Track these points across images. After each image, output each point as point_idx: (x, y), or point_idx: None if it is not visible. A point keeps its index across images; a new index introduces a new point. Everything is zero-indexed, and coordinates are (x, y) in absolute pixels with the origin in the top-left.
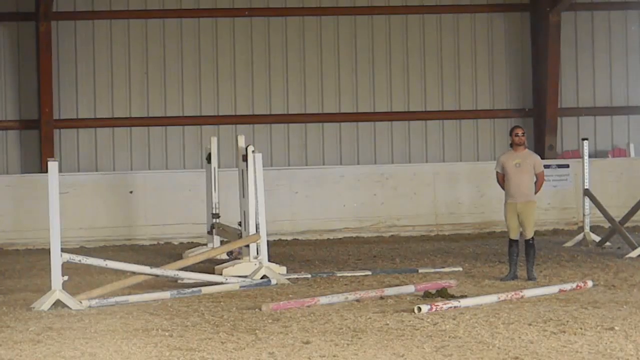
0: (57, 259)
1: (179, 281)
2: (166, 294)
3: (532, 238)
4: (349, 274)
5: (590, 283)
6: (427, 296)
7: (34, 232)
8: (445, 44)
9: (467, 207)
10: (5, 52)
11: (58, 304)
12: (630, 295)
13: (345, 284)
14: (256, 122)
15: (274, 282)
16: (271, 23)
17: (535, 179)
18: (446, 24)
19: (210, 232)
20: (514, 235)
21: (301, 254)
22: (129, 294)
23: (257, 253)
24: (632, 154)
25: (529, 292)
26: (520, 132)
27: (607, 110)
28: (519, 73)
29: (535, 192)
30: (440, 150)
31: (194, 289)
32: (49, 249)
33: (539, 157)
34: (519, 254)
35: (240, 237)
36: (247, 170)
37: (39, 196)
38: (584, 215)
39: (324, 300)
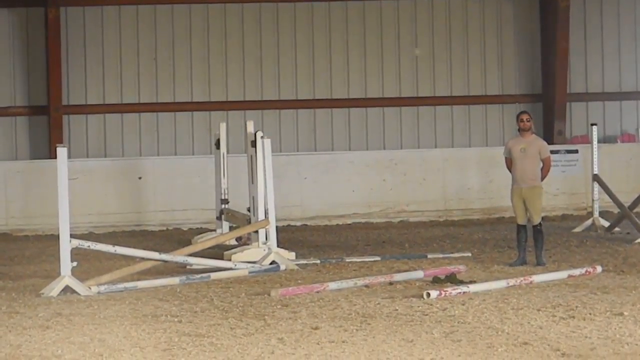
0: (66, 245)
1: (188, 267)
2: (175, 280)
3: (540, 223)
4: (358, 260)
5: (599, 268)
6: (436, 282)
7: (43, 218)
8: (454, 29)
9: (476, 192)
10: (14, 39)
11: (67, 289)
12: None
13: (354, 270)
14: (265, 107)
15: (282, 267)
16: (280, 8)
17: (541, 165)
18: (455, 9)
19: (219, 218)
20: (521, 221)
21: (310, 240)
22: (138, 279)
23: (266, 239)
24: None
25: (538, 278)
26: (525, 117)
27: (616, 95)
28: (528, 58)
29: (542, 178)
30: (449, 135)
31: (203, 274)
32: (58, 235)
33: (545, 143)
34: (527, 240)
35: (249, 222)
36: (256, 155)
37: (48, 182)
38: (593, 200)
39: (333, 285)
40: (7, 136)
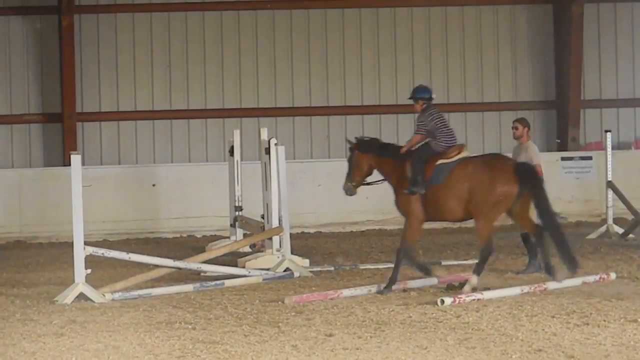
0: (80, 252)
1: (202, 274)
2: (189, 287)
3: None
4: (372, 267)
5: (613, 275)
6: (450, 288)
7: (57, 226)
8: (468, 36)
9: None
10: (28, 46)
11: (81, 297)
12: None
13: (368, 277)
14: (279, 114)
15: (296, 274)
16: (294, 16)
17: None
18: (469, 16)
19: (233, 225)
20: (519, 227)
21: (324, 247)
22: (152, 287)
23: (280, 246)
24: None
25: (552, 285)
26: (515, 125)
27: (630, 102)
28: (542, 65)
29: None
30: (463, 142)
31: (217, 281)
32: (72, 242)
33: (535, 151)
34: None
35: (263, 230)
36: (269, 163)
37: (62, 189)
38: (607, 207)
39: (347, 292)
40: (21, 143)
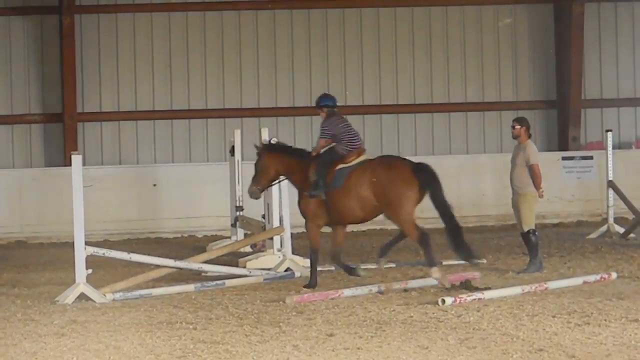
0: (81, 252)
1: (203, 274)
2: (190, 287)
3: (529, 231)
4: (373, 267)
5: (614, 275)
6: (451, 288)
7: (57, 226)
8: (469, 36)
9: (491, 199)
10: (29, 46)
11: (82, 297)
12: None
13: (370, 277)
14: (279, 114)
15: (297, 274)
16: (294, 15)
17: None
18: (469, 15)
19: (234, 225)
20: (518, 227)
21: (324, 247)
22: (153, 287)
23: (281, 245)
24: None
25: (553, 284)
26: (513, 124)
27: (631, 101)
28: (543, 65)
29: (536, 186)
30: (463, 142)
31: (218, 281)
32: (73, 242)
33: (533, 151)
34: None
35: (264, 229)
36: None
37: (62, 189)
38: (608, 206)
39: (347, 292)
40: (22, 144)
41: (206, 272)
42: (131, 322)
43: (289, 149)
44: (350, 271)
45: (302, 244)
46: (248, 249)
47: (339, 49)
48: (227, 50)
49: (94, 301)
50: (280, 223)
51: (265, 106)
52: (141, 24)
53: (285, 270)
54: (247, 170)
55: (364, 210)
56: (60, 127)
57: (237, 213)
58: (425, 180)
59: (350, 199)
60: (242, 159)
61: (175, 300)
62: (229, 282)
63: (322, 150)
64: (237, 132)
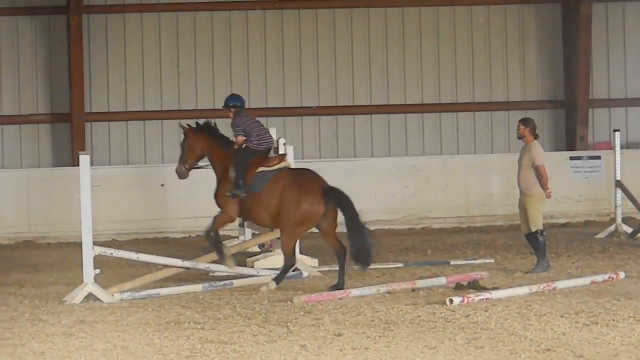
0: (88, 252)
1: (211, 274)
2: (198, 287)
3: (537, 231)
4: (381, 266)
5: (622, 274)
6: (459, 288)
7: (65, 225)
8: (477, 35)
9: (499, 198)
10: (37, 46)
11: (90, 297)
12: None
13: (377, 277)
14: (287, 114)
15: (305, 274)
16: (302, 15)
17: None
18: (477, 15)
19: (241, 225)
20: (522, 229)
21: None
22: (161, 286)
23: None
24: None
25: (560, 284)
26: (518, 125)
27: (639, 101)
28: (551, 65)
29: (543, 187)
30: (471, 142)
31: (226, 281)
32: (81, 242)
33: (538, 151)
34: (541, 247)
35: (272, 229)
36: None
37: (70, 190)
38: (615, 206)
39: (355, 292)
40: (29, 143)
41: (214, 272)
42: (139, 322)
43: (214, 132)
44: (221, 255)
45: (310, 244)
46: (256, 248)
47: (346, 49)
48: (234, 49)
49: (102, 301)
50: None
51: (272, 106)
52: (149, 24)
53: (293, 270)
54: None
55: (271, 220)
56: (68, 127)
57: None
58: (335, 202)
59: (263, 205)
60: None
61: (183, 300)
62: (236, 282)
63: (240, 150)
64: None
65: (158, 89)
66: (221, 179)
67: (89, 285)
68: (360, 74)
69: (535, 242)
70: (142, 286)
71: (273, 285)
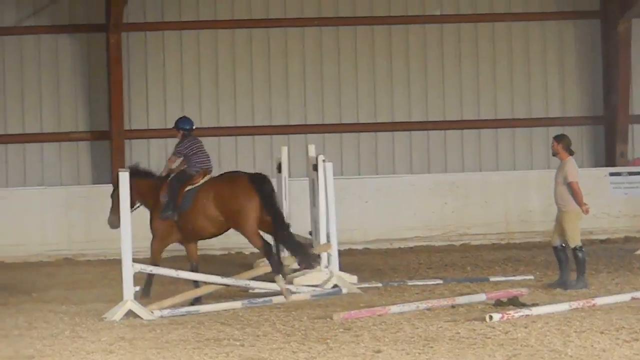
0: (128, 270)
1: (250, 291)
2: (237, 304)
3: (575, 247)
4: (420, 283)
5: None
6: (499, 304)
7: (105, 243)
8: (516, 51)
9: (538, 215)
10: (76, 64)
11: (130, 314)
12: None
13: (417, 293)
14: (327, 131)
15: (345, 291)
16: (340, 32)
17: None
18: (516, 32)
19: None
20: (552, 242)
21: (372, 263)
22: (201, 303)
23: (328, 262)
24: None
25: (600, 300)
26: (552, 142)
27: None
28: (590, 80)
29: (579, 204)
30: (511, 158)
31: (265, 298)
32: (120, 260)
33: (571, 168)
34: (566, 261)
35: (311, 246)
36: (317, 179)
37: (110, 207)
38: None
39: (395, 309)
40: (70, 161)
41: (253, 288)
42: (179, 339)
43: (141, 174)
44: (146, 291)
45: (349, 261)
46: (295, 265)
47: (386, 65)
48: (273, 67)
49: (142, 318)
50: (327, 240)
51: (312, 123)
52: (188, 41)
53: (333, 287)
54: (294, 187)
55: (214, 227)
56: (108, 145)
57: None
58: (260, 188)
59: (198, 218)
60: (289, 176)
61: (223, 317)
62: (276, 299)
63: (173, 173)
64: (284, 149)
65: (197, 106)
66: (154, 207)
67: (129, 302)
68: (400, 91)
69: (576, 258)
70: (181, 303)
71: (280, 280)
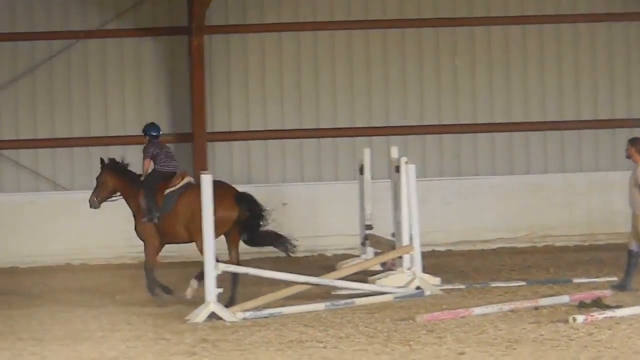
0: (211, 271)
1: (333, 292)
2: (320, 306)
3: None
4: (503, 285)
5: None
6: (582, 306)
7: (188, 245)
8: (599, 51)
9: (622, 216)
10: (159, 66)
11: (212, 316)
12: None
13: (499, 295)
14: (409, 132)
15: (427, 293)
16: (423, 34)
17: None
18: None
19: (363, 244)
20: (628, 244)
21: (455, 265)
22: (283, 305)
23: (411, 264)
24: None
25: None
26: (626, 145)
27: None
28: None
29: None
30: (594, 159)
31: (348, 300)
32: (202, 262)
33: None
34: (632, 266)
35: (394, 248)
36: (400, 181)
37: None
38: None
39: (478, 310)
40: None
41: (336, 290)
42: (261, 340)
43: (124, 171)
44: (166, 290)
45: (432, 263)
46: (378, 267)
47: (469, 67)
48: (356, 68)
49: (224, 320)
50: (410, 241)
51: (394, 124)
52: (270, 43)
53: (416, 289)
54: (376, 189)
55: (188, 231)
56: (190, 147)
57: (367, 231)
58: (246, 208)
59: (177, 221)
60: (372, 178)
61: (305, 319)
62: (358, 301)
63: (147, 175)
64: (367, 151)
65: (279, 108)
66: (136, 212)
67: (212, 304)
68: (483, 93)
69: None
70: (264, 305)
71: (195, 284)
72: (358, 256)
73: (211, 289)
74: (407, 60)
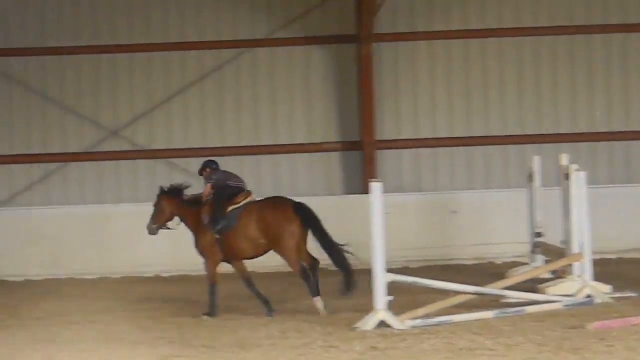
0: (381, 279)
1: (502, 300)
2: (489, 314)
3: None
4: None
5: None
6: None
7: (361, 253)
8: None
9: None
10: (327, 74)
11: (381, 323)
12: None
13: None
14: (579, 140)
15: (597, 300)
16: (592, 40)
17: None
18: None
19: (533, 251)
20: None
21: (626, 273)
22: (452, 313)
23: (581, 272)
24: None
25: None
26: None
27: None
28: None
29: None
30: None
31: (517, 308)
32: (367, 269)
33: None
34: None
35: (564, 256)
36: (569, 189)
37: (361, 217)
38: None
39: None
40: (321, 171)
41: (506, 298)
42: (431, 348)
43: (180, 194)
44: (266, 304)
45: (602, 271)
46: (548, 274)
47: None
48: (525, 75)
49: (393, 328)
50: (579, 249)
51: (564, 132)
52: (439, 51)
53: (586, 297)
54: (546, 197)
55: (255, 249)
56: (359, 155)
57: (536, 239)
58: (305, 218)
59: (241, 238)
60: (542, 185)
61: (474, 327)
62: (528, 309)
63: (211, 193)
64: (536, 158)
65: (449, 115)
66: (197, 231)
67: (381, 312)
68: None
69: None
70: (433, 313)
71: (318, 301)
72: (527, 264)
73: (380, 297)
74: (576, 66)
